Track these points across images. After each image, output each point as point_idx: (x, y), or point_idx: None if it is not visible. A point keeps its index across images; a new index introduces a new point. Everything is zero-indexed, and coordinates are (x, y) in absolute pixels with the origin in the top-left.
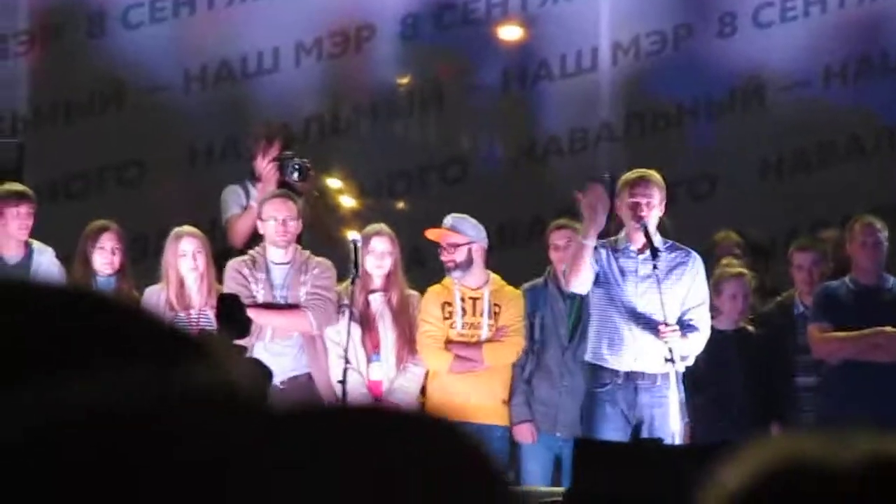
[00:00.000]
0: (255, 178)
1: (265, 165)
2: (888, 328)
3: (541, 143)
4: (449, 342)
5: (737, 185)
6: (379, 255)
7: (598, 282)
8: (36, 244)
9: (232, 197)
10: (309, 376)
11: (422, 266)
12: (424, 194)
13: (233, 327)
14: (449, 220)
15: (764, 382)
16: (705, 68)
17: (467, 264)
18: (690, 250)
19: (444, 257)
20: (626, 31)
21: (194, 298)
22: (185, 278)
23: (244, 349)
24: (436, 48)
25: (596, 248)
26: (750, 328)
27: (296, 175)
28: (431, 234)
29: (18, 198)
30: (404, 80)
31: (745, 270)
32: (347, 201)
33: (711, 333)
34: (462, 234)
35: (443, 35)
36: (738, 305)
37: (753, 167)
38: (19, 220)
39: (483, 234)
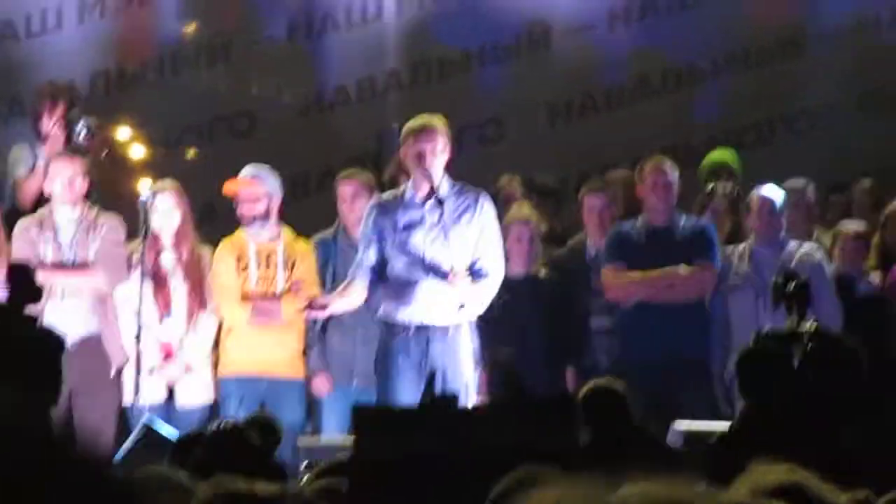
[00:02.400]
0: (41, 138)
1: (51, 125)
2: (681, 268)
3: (328, 93)
4: (245, 296)
5: (525, 130)
6: (165, 212)
7: (386, 234)
8: None
9: (19, 157)
10: (100, 336)
11: (213, 220)
12: (214, 146)
13: (24, 295)
14: (250, 170)
15: (558, 327)
16: (491, 14)
17: (266, 216)
18: (480, 192)
19: (245, 210)
20: None
21: None
22: None
23: (35, 317)
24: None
25: (382, 201)
26: (542, 273)
27: (83, 134)
28: (231, 185)
29: None
30: (189, 30)
31: (531, 214)
32: (137, 154)
33: (503, 279)
34: (263, 186)
35: None
36: (525, 249)
37: (542, 111)
38: None
39: (279, 186)
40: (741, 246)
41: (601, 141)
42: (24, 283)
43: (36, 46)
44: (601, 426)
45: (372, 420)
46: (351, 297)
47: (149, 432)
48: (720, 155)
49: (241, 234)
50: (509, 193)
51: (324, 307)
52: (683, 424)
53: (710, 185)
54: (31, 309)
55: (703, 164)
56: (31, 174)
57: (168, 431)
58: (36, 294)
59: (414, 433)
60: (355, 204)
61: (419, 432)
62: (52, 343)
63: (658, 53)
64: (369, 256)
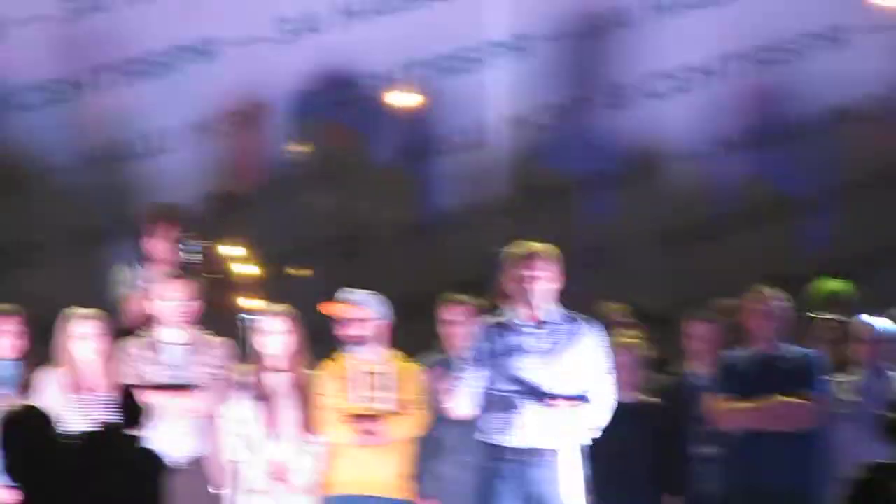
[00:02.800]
0: (144, 258)
1: (161, 246)
2: (788, 398)
3: (436, 216)
4: (349, 416)
5: (632, 257)
6: (276, 333)
7: (491, 357)
8: None
9: (122, 277)
10: (204, 457)
11: (319, 340)
12: (322, 266)
13: (131, 417)
14: (352, 294)
15: (663, 454)
16: (600, 141)
17: (369, 340)
18: (589, 319)
19: (344, 332)
20: (520, 105)
21: (94, 380)
22: (82, 360)
23: (140, 438)
24: (329, 123)
25: (489, 324)
26: (646, 399)
27: (190, 255)
28: (330, 307)
29: None
30: (299, 153)
31: (636, 341)
32: (247, 274)
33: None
34: (362, 311)
35: (336, 110)
36: (630, 375)
37: (649, 239)
38: None
39: (386, 309)
40: (848, 375)
41: (708, 268)
42: (132, 405)
43: (150, 167)
44: None
45: None
46: (461, 405)
47: None
48: (832, 285)
49: (345, 354)
50: (613, 320)
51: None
52: None
53: (819, 315)
54: (136, 431)
55: (815, 292)
56: (135, 294)
57: None
58: (142, 417)
59: None
60: (457, 329)
61: None
62: (155, 464)
63: (766, 182)
64: (475, 377)
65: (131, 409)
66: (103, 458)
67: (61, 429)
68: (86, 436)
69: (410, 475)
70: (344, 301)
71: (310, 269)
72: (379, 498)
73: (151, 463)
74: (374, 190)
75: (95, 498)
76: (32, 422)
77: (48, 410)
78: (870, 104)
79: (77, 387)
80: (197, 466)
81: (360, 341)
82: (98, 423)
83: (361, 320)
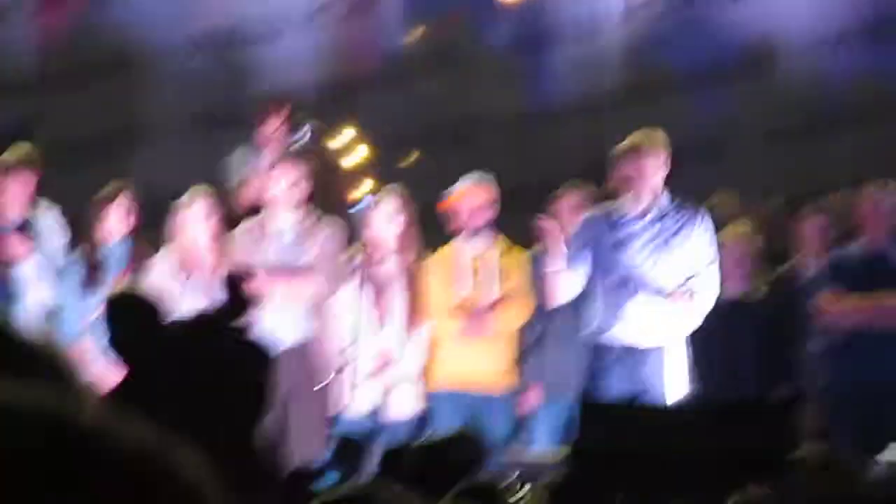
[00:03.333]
0: (262, 142)
1: (274, 130)
2: None
3: (549, 105)
4: (457, 307)
5: (745, 152)
6: (389, 216)
7: (600, 249)
8: (42, 205)
9: (240, 161)
10: (316, 341)
11: (430, 228)
12: (434, 153)
13: (237, 306)
14: (474, 178)
15: (772, 346)
16: (715, 33)
17: (484, 228)
18: (698, 209)
19: (470, 218)
20: None
21: (205, 261)
22: (196, 241)
23: (246, 327)
24: (442, 11)
25: (596, 216)
26: (758, 291)
27: (304, 139)
28: (459, 193)
29: (21, 161)
30: (413, 38)
31: (748, 232)
32: (358, 159)
33: (718, 296)
34: (489, 193)
35: None
36: (743, 267)
37: (763, 132)
38: (22, 183)
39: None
40: None
41: (822, 164)
42: (237, 294)
43: (260, 53)
44: None
45: (598, 414)
46: (571, 278)
47: (344, 443)
48: None
49: (454, 244)
50: (724, 211)
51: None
52: (893, 452)
53: None
54: (241, 319)
55: None
56: (252, 177)
57: (357, 434)
58: (249, 305)
59: (637, 430)
60: (577, 216)
61: (642, 429)
62: (260, 356)
63: (882, 77)
64: (580, 269)
65: (239, 296)
66: (208, 345)
67: (167, 311)
68: (192, 320)
69: (513, 365)
70: (464, 188)
71: (420, 157)
72: (483, 389)
73: (256, 354)
74: (486, 79)
75: (198, 384)
76: (138, 302)
77: (155, 291)
78: None
79: (187, 268)
80: (307, 351)
81: (476, 229)
82: (206, 305)
83: (479, 207)
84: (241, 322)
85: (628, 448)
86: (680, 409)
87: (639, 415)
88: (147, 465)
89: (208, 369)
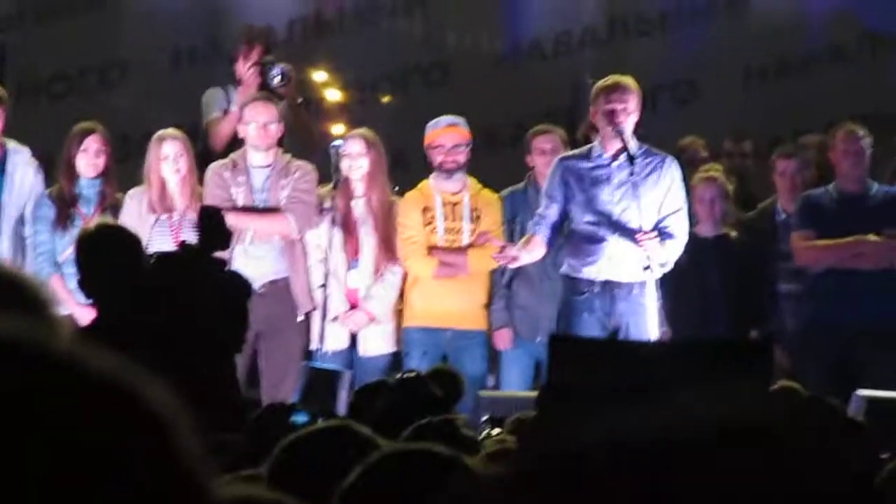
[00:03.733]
0: (236, 81)
1: (246, 69)
2: (871, 236)
3: (524, 45)
4: (431, 248)
5: (719, 92)
6: (354, 157)
7: (573, 191)
8: (11, 143)
9: (213, 100)
10: (287, 280)
11: (404, 169)
12: (407, 94)
13: (213, 240)
14: (452, 119)
15: (744, 289)
16: None
17: (461, 168)
18: (667, 155)
19: (448, 157)
20: None
21: (177, 201)
22: (167, 181)
23: (224, 261)
24: None
25: (570, 157)
26: (730, 234)
27: (277, 79)
28: (444, 132)
29: None
30: None
31: (718, 175)
32: (331, 100)
33: (690, 239)
34: (466, 133)
35: None
36: (714, 210)
37: (736, 73)
38: None
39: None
40: None
41: (795, 105)
42: (214, 228)
43: None
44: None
45: (568, 349)
46: (533, 251)
47: (314, 373)
48: None
49: (427, 184)
50: (693, 154)
51: (515, 259)
52: (867, 392)
53: None
54: (219, 254)
55: None
56: (224, 117)
57: (330, 365)
58: (225, 240)
59: (609, 365)
60: (551, 158)
61: (614, 364)
62: (239, 288)
63: (856, 19)
64: (552, 211)
65: (215, 230)
66: (182, 278)
67: (141, 248)
68: (165, 256)
69: (486, 305)
70: (437, 129)
71: (394, 95)
72: (455, 330)
73: (234, 285)
74: (461, 17)
75: (174, 318)
76: (111, 239)
77: (129, 229)
78: None
79: (161, 207)
80: (281, 289)
81: (454, 167)
82: (179, 243)
83: (457, 146)
84: (218, 255)
85: (600, 384)
86: (653, 346)
87: (611, 351)
88: (115, 395)
89: (188, 298)
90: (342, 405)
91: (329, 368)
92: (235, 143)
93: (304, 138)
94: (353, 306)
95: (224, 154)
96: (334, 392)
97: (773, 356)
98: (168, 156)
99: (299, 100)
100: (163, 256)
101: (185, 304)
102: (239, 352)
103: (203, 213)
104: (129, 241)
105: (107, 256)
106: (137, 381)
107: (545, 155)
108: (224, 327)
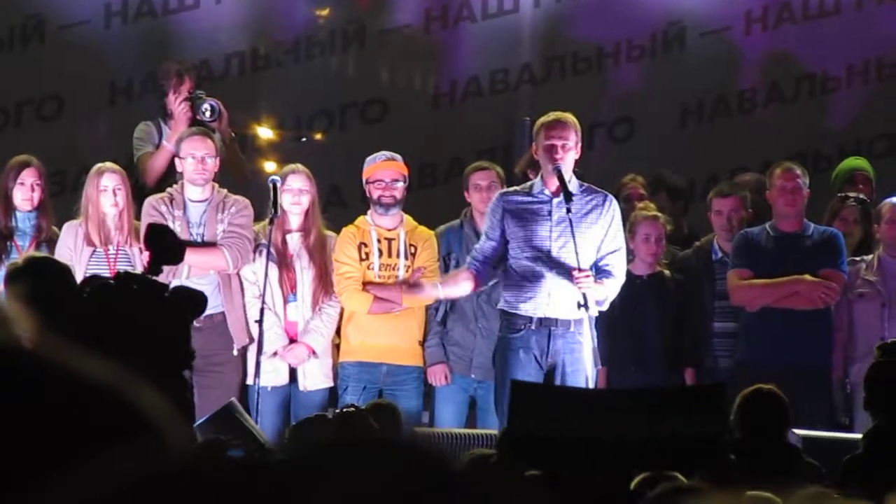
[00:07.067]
0: (167, 115)
1: (177, 104)
2: (807, 276)
3: (460, 83)
4: (367, 283)
5: (656, 129)
6: (295, 192)
7: (512, 227)
8: None
9: (144, 134)
10: (223, 315)
11: (337, 206)
12: (343, 131)
13: (165, 254)
14: (390, 154)
15: (679, 328)
16: (627, 10)
17: (397, 204)
18: (607, 193)
19: (386, 192)
20: None
21: (113, 235)
22: (105, 214)
23: (165, 285)
24: None
25: (510, 193)
26: (666, 273)
27: (207, 114)
28: (383, 167)
29: None
30: (323, 14)
31: (659, 214)
32: (266, 136)
33: (627, 277)
34: (402, 169)
35: None
36: (651, 249)
37: (674, 111)
38: None
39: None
40: (870, 256)
41: (732, 143)
42: (165, 241)
43: (172, 24)
44: (756, 430)
45: (529, 395)
46: (459, 285)
47: (227, 413)
48: (856, 162)
49: (363, 220)
50: (631, 192)
51: (417, 286)
52: (803, 431)
53: (842, 193)
54: (168, 270)
55: (837, 171)
56: (156, 151)
57: (248, 419)
58: (177, 253)
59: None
60: (490, 194)
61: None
62: (182, 304)
63: (792, 58)
64: (488, 247)
65: (165, 244)
66: (119, 304)
67: (72, 277)
68: (99, 283)
69: (421, 341)
70: (380, 161)
71: (331, 133)
72: (390, 365)
73: (177, 302)
74: (398, 54)
75: (112, 345)
76: (38, 269)
77: (58, 259)
78: None
79: (98, 239)
80: (217, 324)
81: (391, 202)
82: (114, 272)
83: (395, 180)
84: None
85: (558, 431)
86: (612, 393)
87: (570, 398)
88: (108, 397)
89: (126, 327)
90: (262, 426)
91: (215, 411)
92: (166, 177)
93: (235, 174)
94: (293, 340)
95: (157, 188)
96: (239, 422)
97: (725, 402)
98: (107, 188)
99: (232, 135)
100: (97, 284)
101: (125, 330)
102: (189, 368)
103: (150, 230)
104: (57, 270)
105: (34, 287)
106: (127, 383)
107: (481, 191)
108: (168, 348)
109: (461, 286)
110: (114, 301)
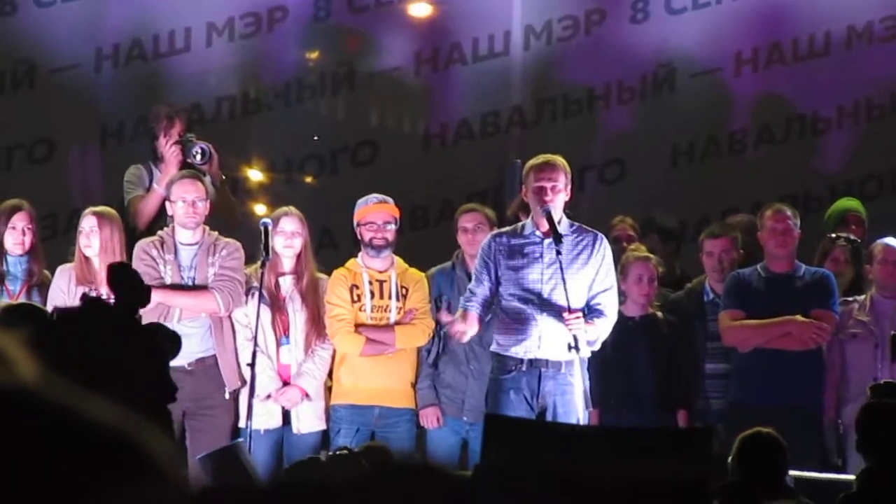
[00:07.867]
0: (157, 158)
1: (167, 147)
2: (798, 317)
3: (451, 126)
4: (359, 325)
5: (647, 171)
6: (288, 235)
7: (503, 268)
8: None
9: (135, 178)
10: (215, 358)
11: (329, 249)
12: (334, 174)
13: (132, 294)
14: (381, 196)
15: (671, 369)
16: (617, 53)
17: (388, 246)
18: (597, 233)
19: (378, 234)
20: (538, 15)
21: (98, 275)
22: (89, 256)
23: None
24: (346, 29)
25: (501, 234)
26: (658, 314)
27: (198, 157)
28: (374, 209)
29: None
30: (313, 58)
31: (651, 255)
32: (257, 179)
33: (619, 319)
34: (393, 212)
35: (354, 16)
36: (643, 290)
37: (664, 153)
38: None
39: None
40: (862, 296)
41: (722, 184)
42: (128, 282)
43: (163, 68)
44: (755, 473)
45: (502, 430)
46: (471, 327)
47: (209, 460)
48: (849, 203)
49: (354, 262)
50: (620, 233)
51: (463, 333)
52: (795, 472)
53: (833, 234)
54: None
55: (830, 212)
56: (147, 194)
57: (251, 462)
58: (142, 294)
59: (544, 450)
60: (476, 237)
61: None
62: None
63: (783, 99)
64: (482, 289)
65: (128, 285)
66: (86, 331)
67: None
68: (64, 311)
69: (414, 383)
70: (372, 203)
71: (322, 176)
72: (382, 407)
73: (149, 333)
74: (389, 98)
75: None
76: (16, 316)
77: (38, 305)
78: (887, 24)
79: (84, 280)
80: (209, 367)
81: (383, 244)
82: (80, 296)
83: (387, 223)
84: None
85: (537, 468)
86: (598, 432)
87: (543, 433)
88: (119, 441)
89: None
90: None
91: (221, 447)
92: (157, 220)
93: (226, 217)
94: (286, 383)
95: (147, 232)
96: (242, 465)
97: (712, 444)
98: (83, 230)
99: (223, 178)
100: (62, 312)
101: (94, 357)
102: (172, 401)
103: (111, 270)
104: (37, 315)
105: (15, 330)
106: (138, 427)
107: (467, 234)
108: (142, 375)
109: (472, 328)
110: (81, 325)
